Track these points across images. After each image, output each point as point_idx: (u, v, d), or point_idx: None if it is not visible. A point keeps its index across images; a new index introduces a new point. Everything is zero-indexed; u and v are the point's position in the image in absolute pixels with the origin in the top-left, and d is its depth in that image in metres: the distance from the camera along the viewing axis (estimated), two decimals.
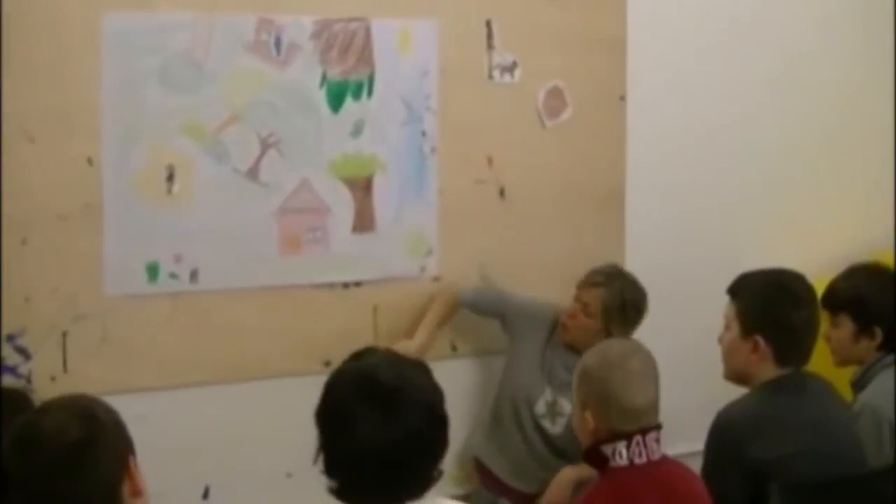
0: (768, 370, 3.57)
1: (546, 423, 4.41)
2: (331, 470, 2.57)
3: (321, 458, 2.58)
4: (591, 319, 4.34)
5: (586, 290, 4.38)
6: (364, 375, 2.59)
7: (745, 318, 3.60)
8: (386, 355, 2.71)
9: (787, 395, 3.53)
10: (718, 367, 5.27)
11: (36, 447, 2.35)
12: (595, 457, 3.17)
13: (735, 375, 3.70)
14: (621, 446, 3.11)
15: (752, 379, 3.62)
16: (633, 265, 4.98)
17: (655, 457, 3.14)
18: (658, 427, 3.18)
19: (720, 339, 3.72)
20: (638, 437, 3.11)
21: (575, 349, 4.32)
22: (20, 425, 2.41)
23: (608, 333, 4.30)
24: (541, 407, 4.41)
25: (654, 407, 3.19)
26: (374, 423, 2.48)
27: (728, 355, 3.69)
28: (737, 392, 5.22)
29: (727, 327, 3.67)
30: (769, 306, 3.59)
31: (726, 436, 3.48)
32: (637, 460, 3.11)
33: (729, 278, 5.24)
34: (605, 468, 3.15)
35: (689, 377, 5.17)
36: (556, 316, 4.50)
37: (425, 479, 2.59)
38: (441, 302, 4.48)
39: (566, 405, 4.34)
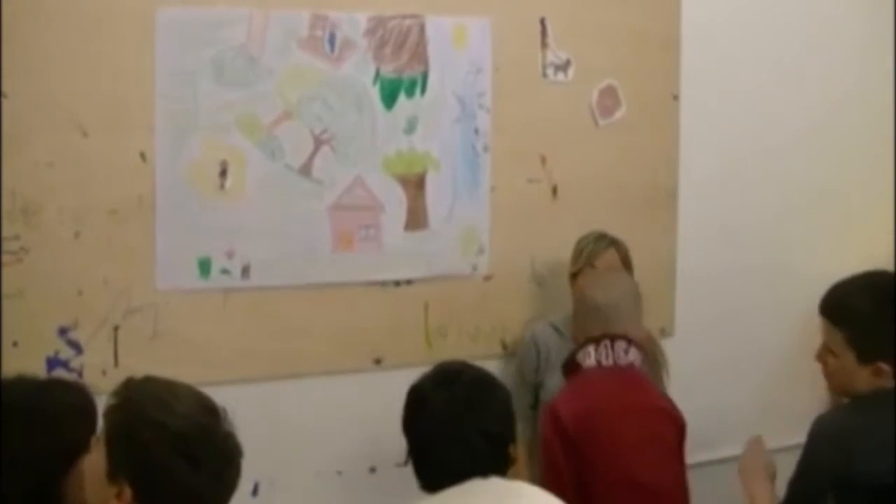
0: (883, 384, 3.35)
1: None
2: (418, 463, 2.93)
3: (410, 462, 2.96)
4: None
5: (602, 256, 4.36)
6: (441, 369, 3.01)
7: (861, 346, 3.35)
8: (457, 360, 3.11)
9: (889, 407, 3.31)
10: (768, 367, 5.28)
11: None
12: (572, 367, 3.65)
13: (847, 394, 3.45)
14: (590, 349, 3.59)
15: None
16: (685, 265, 4.98)
17: (622, 362, 3.59)
18: (626, 339, 3.61)
19: (821, 359, 3.49)
20: (606, 342, 3.59)
21: None
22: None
23: None
24: None
25: (618, 312, 3.63)
26: (445, 395, 2.89)
27: (841, 379, 3.43)
28: (789, 393, 5.21)
29: (833, 353, 3.41)
30: (886, 330, 3.32)
31: (820, 446, 3.34)
32: (604, 362, 3.58)
33: (780, 280, 5.25)
34: (578, 371, 3.63)
35: (740, 377, 5.17)
36: (530, 342, 4.50)
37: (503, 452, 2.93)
38: None
39: None
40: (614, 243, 4.40)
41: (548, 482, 3.43)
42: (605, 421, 3.52)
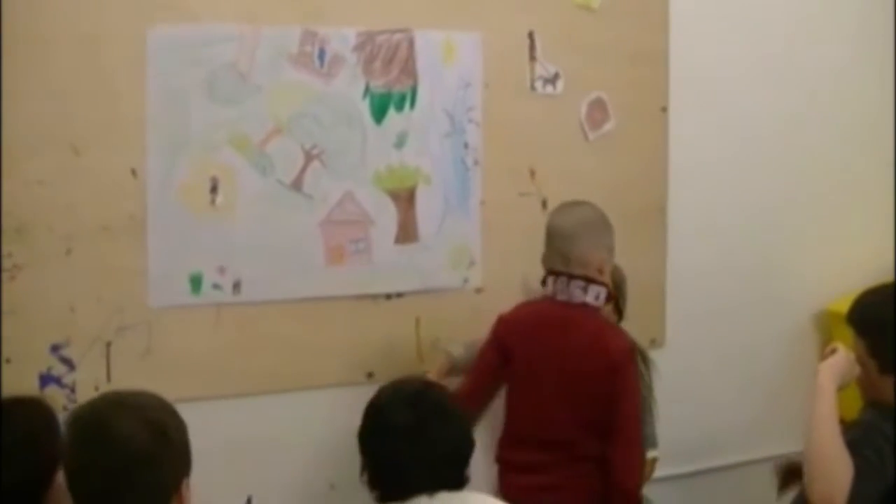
0: None
1: None
2: (373, 479, 3.02)
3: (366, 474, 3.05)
4: None
5: None
6: (397, 387, 3.14)
7: (881, 356, 3.36)
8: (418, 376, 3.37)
9: None
10: (758, 379, 5.29)
11: (101, 447, 2.40)
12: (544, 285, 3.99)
13: (879, 402, 3.42)
14: (550, 280, 3.92)
15: None
16: (675, 276, 4.98)
17: (575, 301, 3.86)
18: (584, 278, 3.84)
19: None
20: (563, 279, 3.87)
21: None
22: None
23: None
24: None
25: (573, 241, 3.86)
26: (406, 417, 2.97)
27: (867, 390, 3.44)
28: (779, 404, 5.22)
29: (859, 362, 3.38)
30: None
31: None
32: (559, 297, 3.88)
33: (770, 292, 5.27)
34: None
35: (730, 388, 5.18)
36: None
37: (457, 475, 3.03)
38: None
39: None
40: None
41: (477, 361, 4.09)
42: (524, 347, 3.94)
